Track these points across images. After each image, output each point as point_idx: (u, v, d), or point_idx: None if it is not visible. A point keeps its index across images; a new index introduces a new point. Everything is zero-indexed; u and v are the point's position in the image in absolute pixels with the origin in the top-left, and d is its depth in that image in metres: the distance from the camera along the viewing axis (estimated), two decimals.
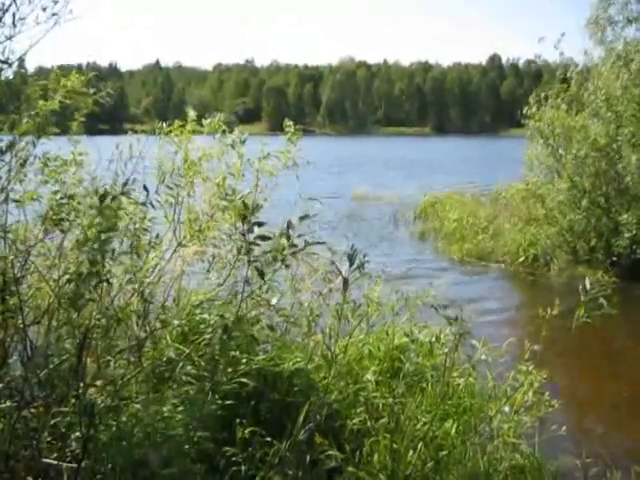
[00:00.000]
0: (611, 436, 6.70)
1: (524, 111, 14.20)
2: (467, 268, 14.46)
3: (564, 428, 5.29)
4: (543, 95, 14.04)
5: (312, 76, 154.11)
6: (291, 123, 5.10)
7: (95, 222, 3.60)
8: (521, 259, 14.19)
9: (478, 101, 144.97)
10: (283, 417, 4.49)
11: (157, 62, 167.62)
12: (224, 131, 5.00)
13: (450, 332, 4.49)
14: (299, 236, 3.87)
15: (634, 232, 12.58)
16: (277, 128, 5.39)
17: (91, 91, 4.38)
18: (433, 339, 5.19)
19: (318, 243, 4.10)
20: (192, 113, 4.89)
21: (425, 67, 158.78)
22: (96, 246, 3.54)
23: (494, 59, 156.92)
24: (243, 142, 4.87)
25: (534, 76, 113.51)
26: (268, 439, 4.18)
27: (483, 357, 4.79)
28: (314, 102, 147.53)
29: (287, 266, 4.02)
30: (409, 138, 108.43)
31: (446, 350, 4.72)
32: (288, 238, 3.80)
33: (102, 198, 3.61)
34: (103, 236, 3.55)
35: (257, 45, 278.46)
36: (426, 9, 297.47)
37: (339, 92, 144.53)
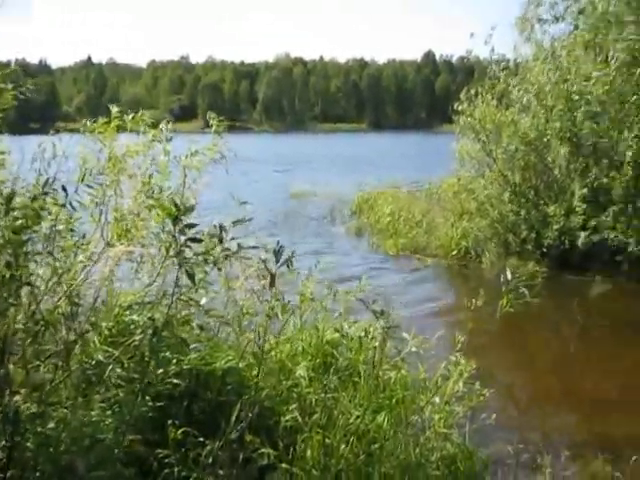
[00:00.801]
0: (541, 422, 6.90)
1: (455, 107, 14.49)
2: (402, 262, 14.65)
3: (494, 416, 5.43)
4: (473, 91, 14.35)
5: (248, 73, 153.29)
6: (215, 115, 5.04)
7: (7, 224, 3.49)
8: (454, 252, 14.52)
9: (413, 98, 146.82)
10: (217, 416, 4.44)
11: (89, 58, 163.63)
12: (148, 126, 4.90)
13: (379, 326, 4.55)
14: (233, 239, 3.83)
15: (562, 223, 12.99)
16: None
17: (10, 87, 4.24)
18: (362, 334, 5.23)
19: (252, 247, 4.04)
20: (115, 109, 4.79)
21: (361, 64, 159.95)
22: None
23: (428, 55, 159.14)
24: (169, 140, 4.81)
25: (467, 72, 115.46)
26: (201, 439, 4.13)
27: (414, 349, 4.85)
28: (251, 99, 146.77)
29: (219, 269, 3.98)
30: (346, 134, 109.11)
31: (376, 344, 4.78)
32: (221, 241, 3.75)
33: (9, 198, 3.50)
34: (17, 237, 3.44)
35: (192, 42, 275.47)
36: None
37: (276, 89, 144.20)
